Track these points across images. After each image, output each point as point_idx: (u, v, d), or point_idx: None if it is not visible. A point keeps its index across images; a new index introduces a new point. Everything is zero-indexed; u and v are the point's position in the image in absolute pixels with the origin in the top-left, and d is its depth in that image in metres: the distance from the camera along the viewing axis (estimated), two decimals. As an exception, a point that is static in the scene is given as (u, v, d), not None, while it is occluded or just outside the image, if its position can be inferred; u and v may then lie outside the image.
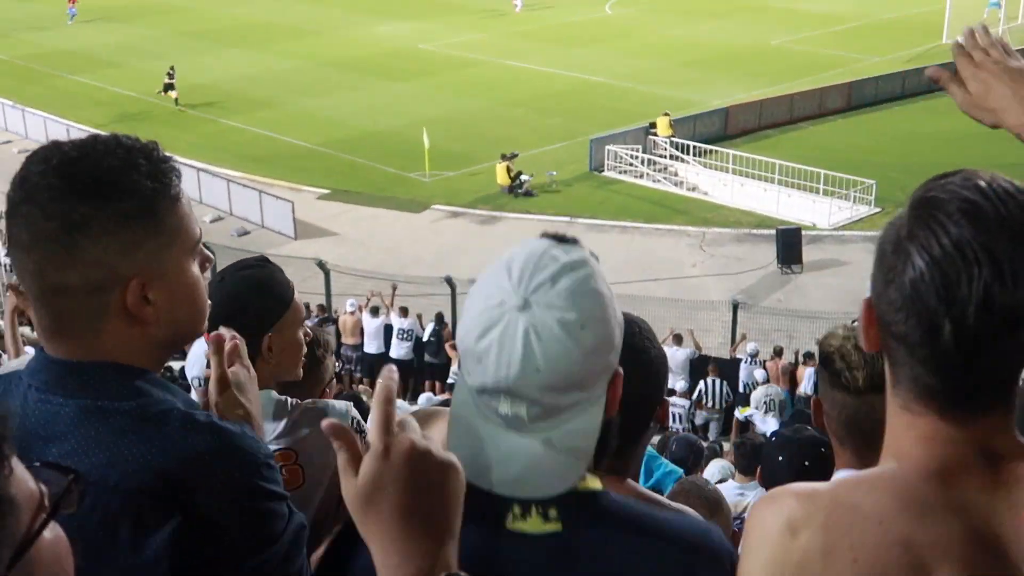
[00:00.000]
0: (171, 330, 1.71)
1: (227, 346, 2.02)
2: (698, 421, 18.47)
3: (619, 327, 1.54)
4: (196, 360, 3.25)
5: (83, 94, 38.00)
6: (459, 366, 1.58)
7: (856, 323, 1.63)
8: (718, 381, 18.11)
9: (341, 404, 2.92)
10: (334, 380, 3.37)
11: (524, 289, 1.46)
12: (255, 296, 2.76)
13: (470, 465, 1.48)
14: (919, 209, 1.40)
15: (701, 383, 18.28)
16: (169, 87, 36.22)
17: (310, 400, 2.91)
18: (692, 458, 8.32)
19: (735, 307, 20.11)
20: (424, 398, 16.43)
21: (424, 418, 2.07)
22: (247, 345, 2.62)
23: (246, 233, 26.80)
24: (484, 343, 1.46)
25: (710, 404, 18.20)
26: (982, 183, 1.39)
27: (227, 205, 27.97)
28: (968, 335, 1.35)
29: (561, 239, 1.54)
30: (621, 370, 1.56)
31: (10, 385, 1.75)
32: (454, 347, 18.36)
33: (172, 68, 36.63)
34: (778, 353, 18.27)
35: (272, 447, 2.71)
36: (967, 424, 1.42)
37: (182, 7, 52.55)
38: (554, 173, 29.46)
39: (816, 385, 2.76)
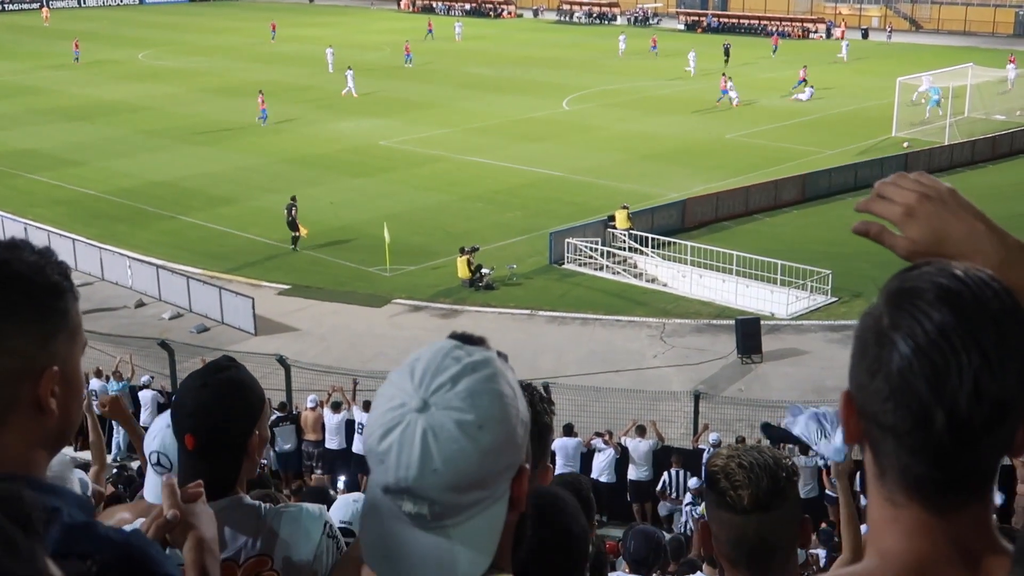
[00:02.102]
0: (65, 423, 1.75)
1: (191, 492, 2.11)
2: (662, 512, 18.41)
3: (522, 426, 1.56)
4: (157, 434, 3.26)
5: (42, 192, 37.93)
6: None
7: (742, 440, 1.63)
8: (681, 472, 18.09)
9: (315, 507, 2.92)
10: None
11: (424, 390, 1.49)
12: (240, 397, 2.80)
13: (381, 559, 1.54)
14: (898, 299, 1.40)
15: (665, 474, 18.25)
16: (294, 224, 31.26)
17: (283, 504, 2.91)
18: (652, 556, 7.41)
19: (697, 397, 20.18)
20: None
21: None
22: (237, 448, 2.64)
23: (206, 330, 26.64)
24: (385, 444, 1.48)
25: (673, 495, 18.16)
26: (958, 271, 1.39)
27: (186, 302, 27.84)
28: (961, 424, 1.34)
29: (467, 339, 1.58)
30: (527, 467, 1.58)
31: None
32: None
33: (294, 199, 31.87)
34: (740, 442, 18.27)
35: (246, 555, 2.71)
36: (951, 516, 1.41)
37: (143, 106, 52.84)
38: (514, 266, 29.63)
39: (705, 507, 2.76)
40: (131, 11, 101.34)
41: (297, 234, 31.19)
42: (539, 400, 2.20)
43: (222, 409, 2.71)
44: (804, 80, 54.00)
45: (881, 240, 1.69)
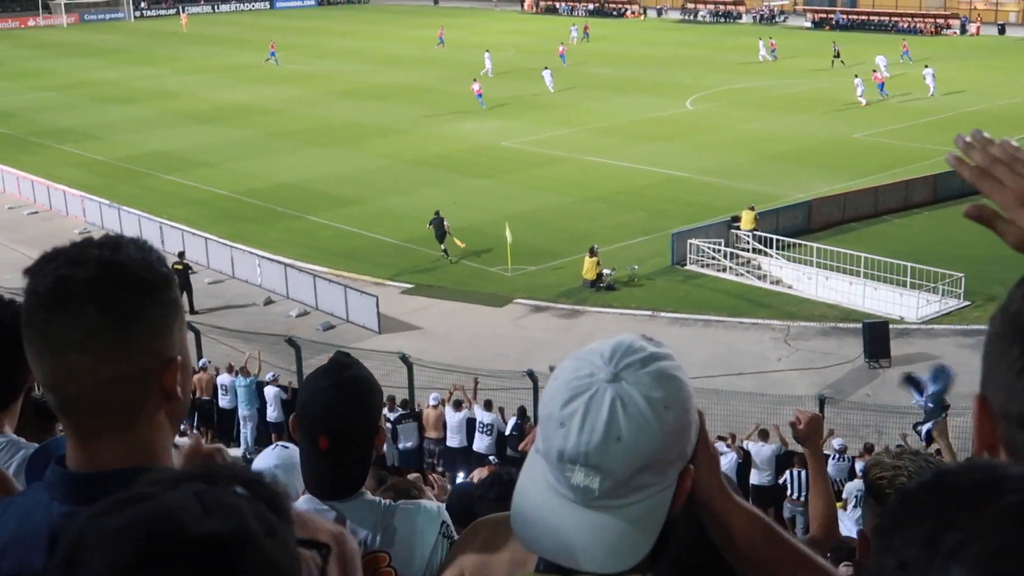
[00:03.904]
0: (185, 403, 1.81)
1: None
2: (785, 515, 18.06)
3: (695, 424, 1.58)
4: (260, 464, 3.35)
5: (176, 193, 39.14)
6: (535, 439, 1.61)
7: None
8: (804, 472, 17.70)
9: (433, 506, 2.95)
10: None
11: (615, 365, 1.51)
12: (367, 394, 2.85)
13: (535, 537, 1.53)
14: None
15: (787, 473, 17.92)
16: (442, 235, 30.88)
17: (402, 501, 2.95)
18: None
19: (821, 402, 19.77)
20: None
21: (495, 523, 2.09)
22: (366, 444, 2.69)
23: (331, 327, 27.17)
24: (569, 408, 1.49)
25: (795, 496, 17.80)
26: None
27: (313, 300, 28.43)
28: None
29: (650, 339, 1.60)
30: (693, 468, 1.58)
31: (16, 504, 1.81)
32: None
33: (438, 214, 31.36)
34: (868, 450, 17.85)
35: (365, 550, 2.75)
36: None
37: (272, 109, 54.14)
38: (636, 267, 29.49)
39: (863, 517, 2.54)
40: (261, 15, 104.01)
41: (444, 246, 30.80)
42: None
43: (351, 408, 2.77)
44: (882, 84, 52.44)
45: (993, 226, 1.56)
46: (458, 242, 30.88)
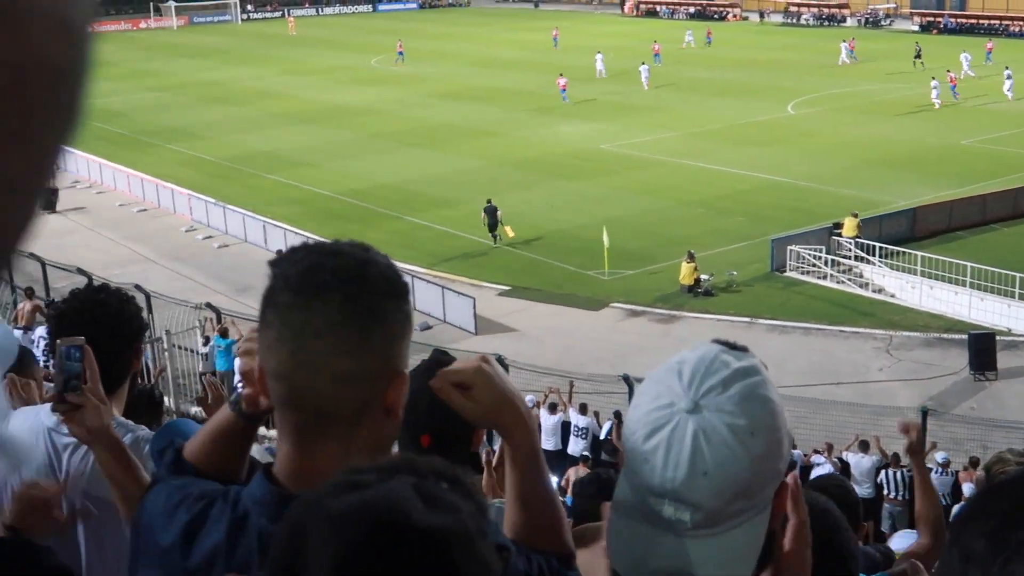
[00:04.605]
0: (397, 429, 1.81)
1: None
2: (883, 516, 17.62)
3: (788, 437, 1.52)
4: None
5: (278, 192, 39.86)
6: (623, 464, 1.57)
7: (976, 463, 1.52)
8: (900, 472, 17.31)
9: None
10: None
11: (694, 392, 1.45)
12: None
13: (629, 567, 1.50)
14: None
15: (882, 474, 17.56)
16: (494, 223, 32.34)
17: (497, 499, 2.99)
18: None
19: (924, 414, 19.30)
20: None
21: (591, 534, 2.09)
22: (467, 442, 2.72)
23: (428, 328, 27.39)
24: (651, 443, 1.45)
25: (892, 495, 17.41)
26: None
27: (412, 299, 28.62)
28: None
29: (732, 346, 1.54)
30: (788, 480, 1.54)
31: (206, 505, 1.84)
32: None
33: (489, 201, 33.00)
34: (973, 464, 17.41)
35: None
36: None
37: (373, 110, 54.82)
38: (734, 272, 29.19)
39: None
40: (365, 18, 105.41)
41: (497, 234, 32.24)
42: None
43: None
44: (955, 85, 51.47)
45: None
46: (508, 231, 32.12)
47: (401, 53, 70.75)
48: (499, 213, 32.17)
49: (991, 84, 53.62)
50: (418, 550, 1.08)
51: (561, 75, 55.54)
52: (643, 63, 59.55)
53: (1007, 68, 53.21)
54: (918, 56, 60.35)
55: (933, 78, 51.15)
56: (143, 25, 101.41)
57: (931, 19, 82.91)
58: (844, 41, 66.91)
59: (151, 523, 1.90)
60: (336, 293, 1.65)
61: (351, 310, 1.65)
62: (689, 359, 1.50)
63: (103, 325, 3.43)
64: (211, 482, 1.93)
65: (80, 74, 0.38)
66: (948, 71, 52.58)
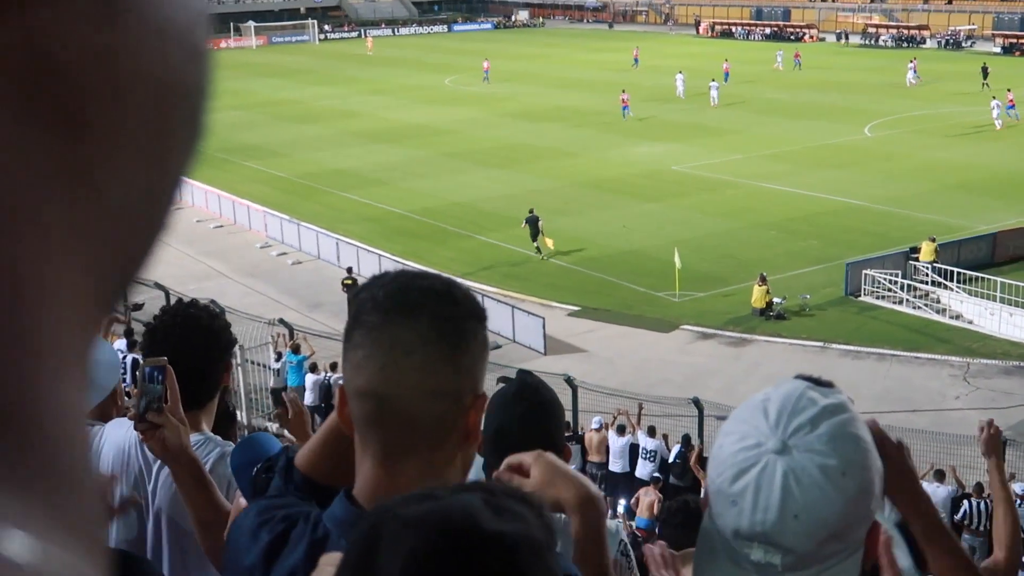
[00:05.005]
0: (474, 454, 1.83)
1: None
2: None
3: (879, 475, 1.48)
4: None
5: (351, 209, 40.25)
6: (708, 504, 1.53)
7: None
8: (983, 503, 16.91)
9: (612, 523, 2.96)
10: None
11: (782, 431, 1.42)
12: (560, 416, 2.93)
13: None
14: None
15: (964, 504, 17.17)
16: (536, 233, 33.18)
17: None
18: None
19: (1004, 444, 18.86)
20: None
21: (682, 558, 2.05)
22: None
23: (498, 347, 27.38)
24: (739, 485, 1.43)
25: (974, 525, 17.01)
26: None
27: (482, 319, 28.70)
28: None
29: (817, 381, 1.51)
30: (880, 522, 1.50)
31: (288, 526, 1.85)
32: (701, 468, 18.11)
33: (532, 211, 33.59)
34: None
35: None
36: None
37: (447, 130, 55.17)
38: (807, 296, 28.81)
39: None
40: (441, 38, 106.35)
41: (538, 244, 32.97)
42: None
43: (544, 429, 2.81)
44: (1013, 105, 50.73)
45: None
46: (548, 242, 32.69)
47: (487, 72, 71.51)
48: (540, 223, 32.67)
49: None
50: (487, 554, 1.11)
51: (624, 91, 56.35)
52: (712, 80, 59.71)
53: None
54: (985, 77, 59.55)
55: (994, 97, 50.82)
56: (223, 45, 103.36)
57: (1014, 40, 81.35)
58: (910, 62, 66.12)
59: (237, 543, 1.93)
60: (425, 311, 1.68)
61: (440, 328, 1.68)
62: (774, 397, 1.47)
63: (194, 340, 3.51)
64: (300, 503, 1.95)
65: (206, 93, 0.42)
66: (1008, 90, 51.79)
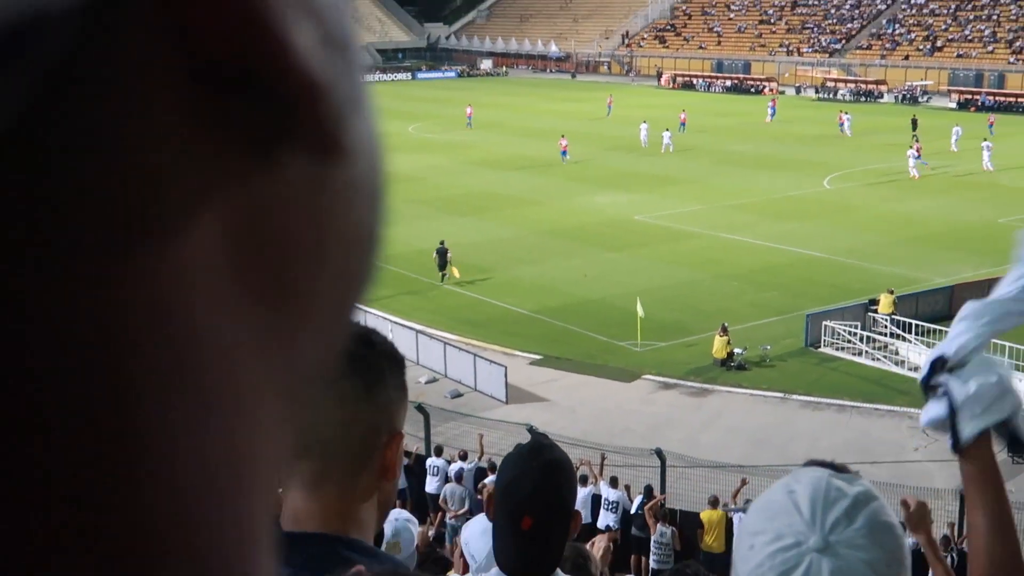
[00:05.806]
0: (392, 493, 1.95)
1: None
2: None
3: (909, 552, 1.50)
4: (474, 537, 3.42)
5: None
6: None
7: None
8: (949, 556, 16.96)
9: None
10: None
11: (821, 528, 1.40)
12: (572, 477, 2.96)
13: None
14: None
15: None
16: (443, 264, 35.83)
17: None
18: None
19: (962, 498, 18.98)
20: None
21: None
22: (566, 525, 2.78)
23: (459, 395, 27.33)
24: None
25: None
26: None
27: (442, 367, 28.67)
28: None
29: (835, 467, 1.50)
30: None
31: None
32: (653, 516, 18.06)
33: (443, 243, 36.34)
34: None
35: None
36: None
37: (411, 177, 55.23)
38: (768, 347, 28.98)
39: None
40: (404, 86, 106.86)
41: (445, 273, 35.10)
42: None
43: (557, 490, 2.81)
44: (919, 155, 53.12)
45: None
46: (455, 272, 34.79)
47: (470, 118, 72.73)
48: (449, 255, 35.00)
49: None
50: None
51: (563, 136, 58.58)
52: (667, 129, 61.08)
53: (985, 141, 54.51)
54: (914, 129, 61.48)
55: (910, 147, 53.45)
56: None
57: (969, 96, 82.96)
58: (844, 112, 68.47)
59: None
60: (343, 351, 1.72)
61: (355, 366, 1.79)
62: (800, 490, 1.45)
63: None
64: None
65: (382, 237, 0.41)
66: (915, 138, 54.97)
